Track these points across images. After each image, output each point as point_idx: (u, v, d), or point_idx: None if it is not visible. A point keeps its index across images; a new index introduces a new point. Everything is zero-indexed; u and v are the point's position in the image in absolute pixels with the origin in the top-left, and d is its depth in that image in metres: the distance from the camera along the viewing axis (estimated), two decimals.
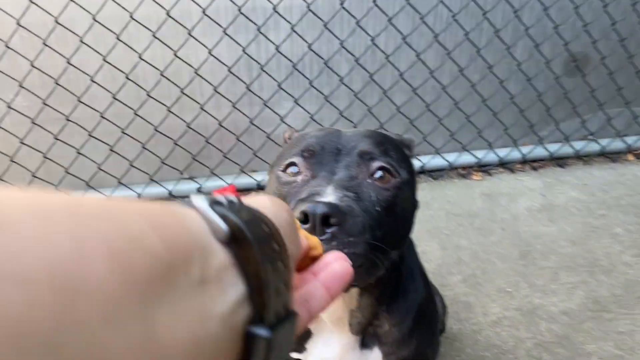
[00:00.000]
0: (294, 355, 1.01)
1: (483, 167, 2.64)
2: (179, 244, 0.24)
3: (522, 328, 1.62)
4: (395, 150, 0.83)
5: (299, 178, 0.78)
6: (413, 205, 0.85)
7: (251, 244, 0.28)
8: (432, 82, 2.39)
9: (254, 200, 0.34)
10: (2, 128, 2.14)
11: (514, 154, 2.64)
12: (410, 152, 0.95)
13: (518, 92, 2.53)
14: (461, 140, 2.56)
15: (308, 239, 0.41)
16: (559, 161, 2.68)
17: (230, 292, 0.27)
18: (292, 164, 0.79)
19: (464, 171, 2.62)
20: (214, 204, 0.29)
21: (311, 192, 0.69)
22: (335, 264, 0.40)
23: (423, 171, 2.60)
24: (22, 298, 0.17)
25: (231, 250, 0.28)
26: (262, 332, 0.28)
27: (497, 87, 2.48)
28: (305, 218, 0.63)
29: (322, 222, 0.63)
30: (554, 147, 2.67)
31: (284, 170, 0.80)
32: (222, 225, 0.28)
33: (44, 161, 2.20)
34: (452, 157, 2.59)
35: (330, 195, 0.68)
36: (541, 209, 2.25)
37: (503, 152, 2.64)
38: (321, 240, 0.56)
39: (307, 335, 0.98)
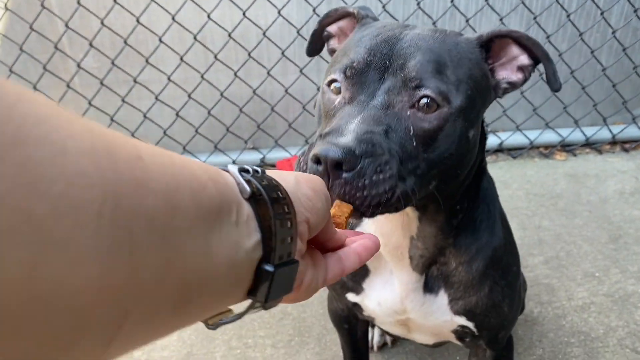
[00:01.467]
0: (351, 298, 0.93)
1: (567, 147, 2.46)
2: (225, 195, 0.35)
3: (613, 315, 1.51)
4: (456, 68, 0.70)
5: (338, 100, 0.71)
6: (467, 135, 0.72)
7: (266, 203, 0.38)
8: None
9: (279, 174, 0.43)
10: (72, 89, 2.15)
11: (602, 133, 2.46)
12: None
13: (611, 63, 2.34)
14: (544, 116, 2.40)
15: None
16: None
17: (252, 235, 0.37)
18: (335, 80, 0.72)
19: (546, 150, 2.45)
20: (242, 171, 0.39)
21: (333, 128, 0.64)
22: (367, 240, 0.54)
23: (501, 149, 2.45)
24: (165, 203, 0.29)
25: (252, 206, 0.38)
26: (268, 267, 0.38)
27: (587, 57, 2.31)
28: (318, 160, 0.60)
29: (336, 166, 0.60)
30: None
31: (329, 85, 0.73)
32: (247, 187, 0.37)
33: (111, 124, 2.20)
34: (534, 135, 2.44)
35: (349, 134, 0.62)
36: (634, 192, 2.12)
37: (590, 131, 2.46)
38: (335, 183, 0.60)
39: (364, 273, 0.92)
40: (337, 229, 0.53)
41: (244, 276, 0.37)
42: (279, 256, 0.39)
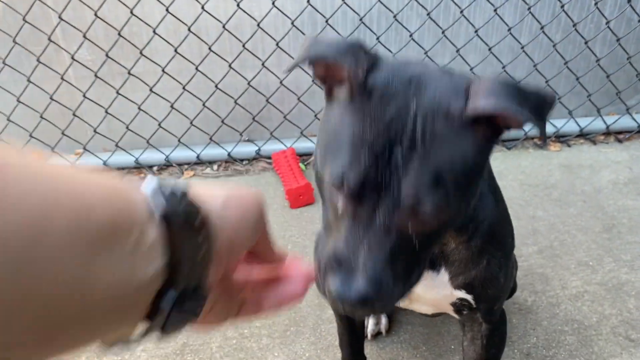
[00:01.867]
0: None
1: (561, 138, 2.47)
2: (123, 217, 0.32)
3: (607, 304, 1.53)
4: (451, 168, 0.65)
5: (340, 204, 0.68)
6: (469, 207, 0.74)
7: (178, 229, 0.35)
8: (510, 40, 2.23)
9: (209, 194, 0.41)
10: (66, 81, 2.14)
11: (596, 123, 2.46)
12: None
13: (605, 54, 2.34)
14: None
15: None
16: None
17: (155, 262, 0.34)
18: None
19: (540, 141, 2.44)
20: (160, 190, 0.36)
21: (344, 258, 0.67)
22: (297, 287, 0.51)
23: None
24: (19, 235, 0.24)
25: (162, 230, 0.34)
26: (166, 300, 0.35)
27: (581, 48, 2.30)
28: None
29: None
30: None
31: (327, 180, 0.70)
32: (157, 213, 0.34)
33: (106, 116, 2.20)
34: (528, 126, 2.40)
35: (360, 276, 0.66)
36: (628, 183, 2.13)
37: (584, 122, 2.46)
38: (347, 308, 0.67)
39: None
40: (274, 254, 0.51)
41: (138, 304, 0.34)
42: (184, 286, 0.37)
